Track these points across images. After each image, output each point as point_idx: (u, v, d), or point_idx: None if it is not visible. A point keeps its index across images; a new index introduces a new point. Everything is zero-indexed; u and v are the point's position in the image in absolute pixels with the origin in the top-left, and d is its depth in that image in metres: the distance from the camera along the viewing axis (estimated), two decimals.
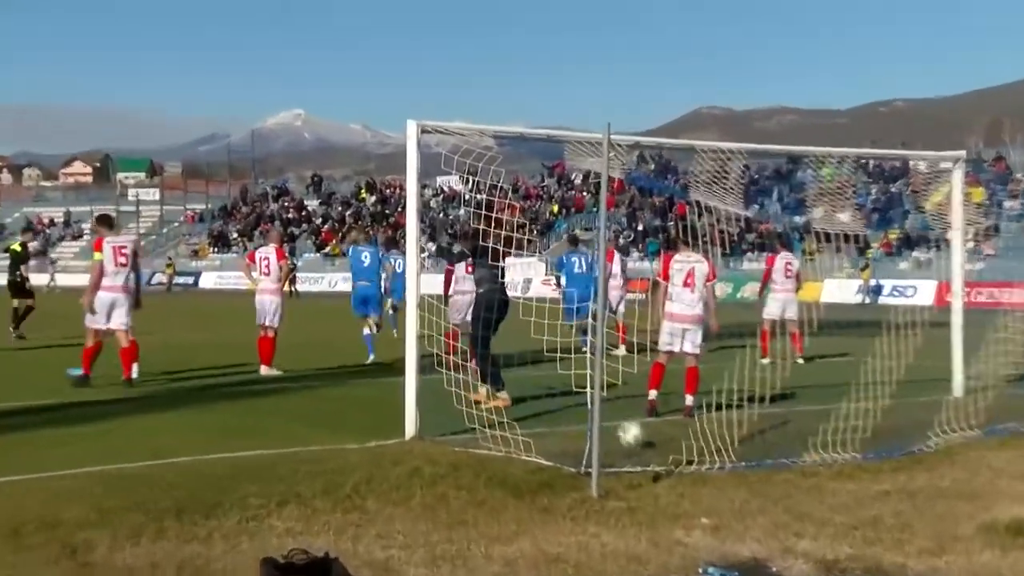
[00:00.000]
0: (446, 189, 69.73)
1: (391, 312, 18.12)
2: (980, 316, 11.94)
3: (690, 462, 7.84)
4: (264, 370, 14.56)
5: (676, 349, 10.93)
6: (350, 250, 17.70)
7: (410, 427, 8.96)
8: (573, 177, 65.08)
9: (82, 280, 18.13)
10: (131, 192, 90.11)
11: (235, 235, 74.01)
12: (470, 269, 15.12)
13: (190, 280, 65.99)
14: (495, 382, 10.94)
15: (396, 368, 12.47)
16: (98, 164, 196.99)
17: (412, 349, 9.00)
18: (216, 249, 72.86)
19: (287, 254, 16.13)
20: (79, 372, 12.71)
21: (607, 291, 13.47)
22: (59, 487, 6.96)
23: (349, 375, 14.84)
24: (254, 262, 15.16)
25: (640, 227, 56.11)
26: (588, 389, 7.61)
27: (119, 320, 12.70)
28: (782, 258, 17.28)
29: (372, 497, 6.75)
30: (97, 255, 12.65)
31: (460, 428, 8.88)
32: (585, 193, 61.77)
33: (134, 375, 12.81)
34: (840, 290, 41.80)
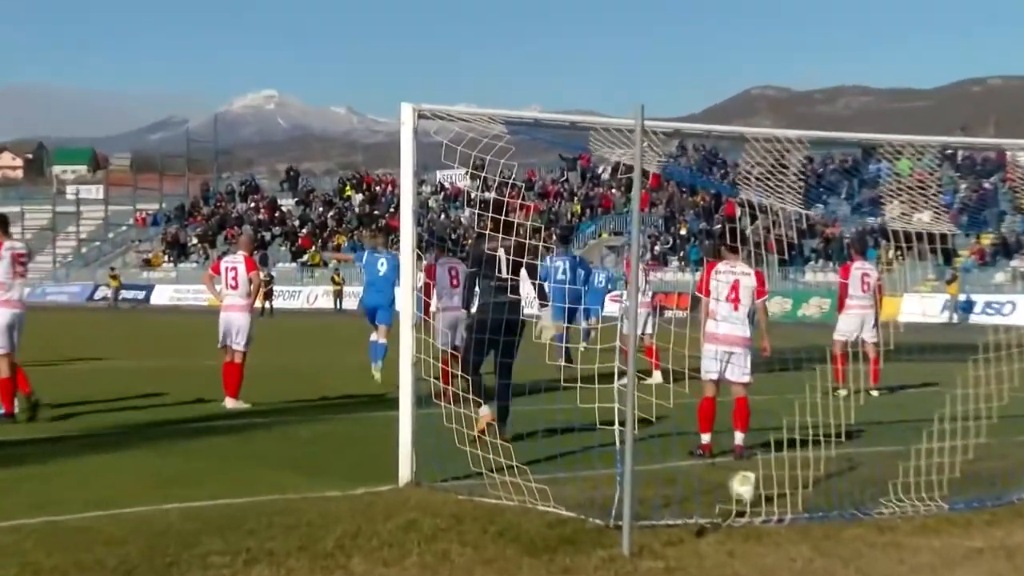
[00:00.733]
0: (447, 186, 69.95)
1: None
2: None
3: (741, 513, 7.83)
4: (229, 403, 14.59)
5: (720, 377, 10.93)
6: (365, 255, 18.47)
7: (405, 471, 8.97)
8: (600, 171, 65.20)
9: None
10: (70, 189, 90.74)
11: (195, 241, 74.40)
12: (455, 282, 15.31)
13: (140, 294, 66.30)
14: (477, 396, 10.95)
15: (388, 400, 12.51)
16: (30, 155, 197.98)
17: (407, 377, 9.02)
18: (171, 258, 73.19)
19: (258, 264, 16.20)
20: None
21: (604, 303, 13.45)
22: None
23: (331, 409, 14.86)
24: (219, 273, 15.21)
25: (682, 231, 56.13)
26: (617, 426, 7.62)
27: (6, 342, 12.78)
28: (858, 268, 17.28)
29: (359, 555, 6.75)
30: None
31: (464, 472, 8.87)
32: (613, 191, 61.88)
33: (16, 409, 12.86)
34: (922, 306, 41.74)
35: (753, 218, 9.99)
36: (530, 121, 9.75)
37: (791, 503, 8.02)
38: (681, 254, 54.29)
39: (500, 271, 10.94)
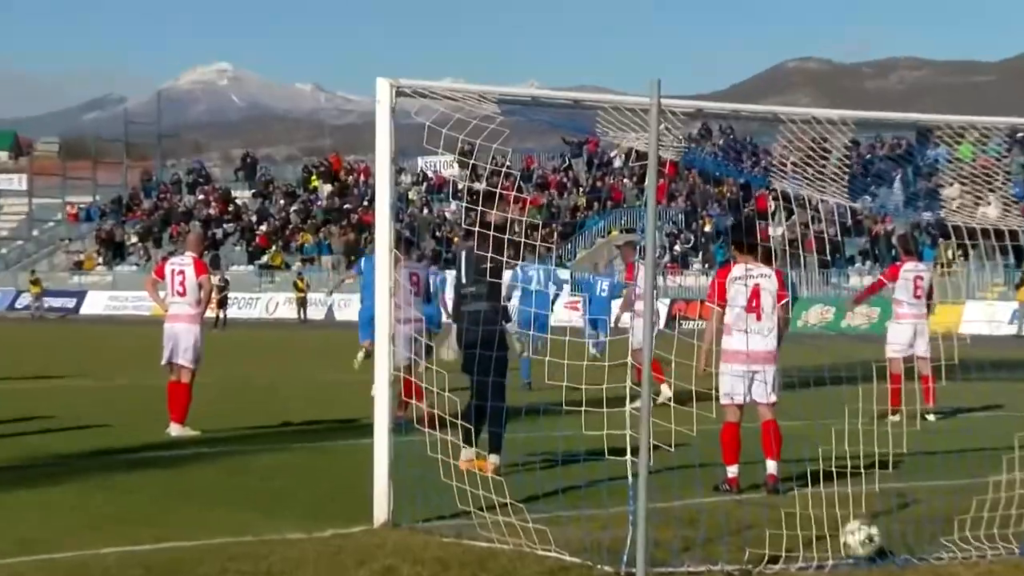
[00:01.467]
0: (431, 175, 69.93)
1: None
2: None
3: (775, 558, 7.84)
4: (175, 429, 14.59)
5: (743, 400, 10.88)
6: (363, 260, 18.69)
7: (380, 510, 8.98)
8: (611, 156, 65.24)
9: None
10: None
11: (134, 240, 74.25)
12: (416, 290, 15.30)
13: (70, 303, 66.18)
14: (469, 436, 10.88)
15: (360, 426, 12.51)
16: None
17: (383, 398, 9.04)
18: (107, 259, 73.06)
19: (209, 267, 16.20)
20: None
21: (613, 312, 13.50)
22: None
23: (294, 436, 14.87)
24: (163, 278, 15.22)
25: (706, 228, 56.10)
26: (629, 456, 7.63)
27: None
28: (909, 270, 17.13)
29: None
30: None
31: (450, 511, 8.88)
32: (625, 180, 61.91)
33: None
34: (986, 315, 41.74)
35: (789, 213, 10.02)
36: (527, 99, 9.77)
37: (831, 547, 8.03)
38: (704, 254, 54.27)
39: (486, 274, 10.86)
